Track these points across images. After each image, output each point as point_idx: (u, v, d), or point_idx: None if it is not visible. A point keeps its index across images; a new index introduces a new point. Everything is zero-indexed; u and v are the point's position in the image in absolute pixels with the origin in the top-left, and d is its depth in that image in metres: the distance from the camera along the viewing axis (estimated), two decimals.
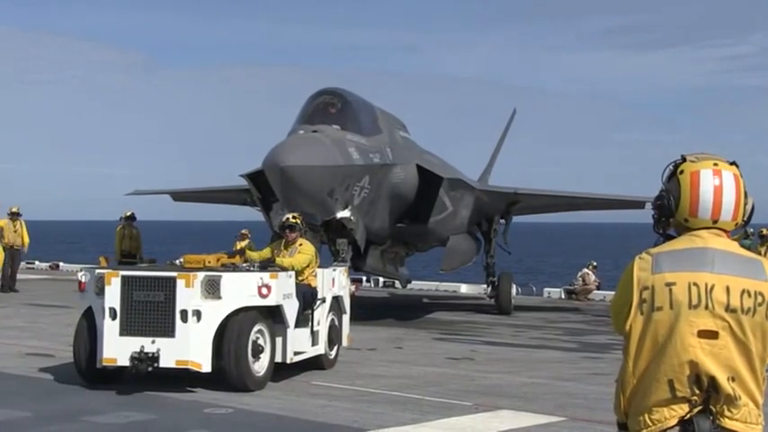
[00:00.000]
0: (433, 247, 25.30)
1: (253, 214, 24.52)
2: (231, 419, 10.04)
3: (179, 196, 29.27)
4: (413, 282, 31.81)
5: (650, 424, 3.79)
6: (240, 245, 25.51)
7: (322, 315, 13.43)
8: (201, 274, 11.39)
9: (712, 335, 3.74)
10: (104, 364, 11.30)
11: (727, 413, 3.74)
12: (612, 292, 4.18)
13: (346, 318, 14.50)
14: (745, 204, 3.94)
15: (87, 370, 11.61)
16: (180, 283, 11.19)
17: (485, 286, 26.67)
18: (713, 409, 3.75)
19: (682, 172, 3.93)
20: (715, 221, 3.90)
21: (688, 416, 3.75)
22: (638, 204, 26.13)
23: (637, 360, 3.84)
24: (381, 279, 32.05)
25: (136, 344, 11.09)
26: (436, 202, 21.84)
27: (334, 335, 13.84)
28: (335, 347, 13.97)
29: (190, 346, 11.14)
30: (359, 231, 19.40)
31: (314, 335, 13.14)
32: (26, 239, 27.15)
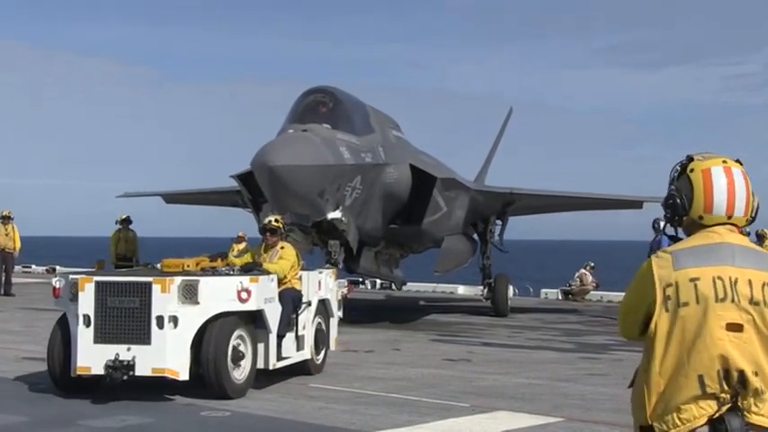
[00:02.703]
0: (429, 249, 24.91)
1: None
2: (228, 422, 9.97)
3: (171, 198, 28.86)
4: (410, 283, 31.54)
5: (679, 424, 3.74)
6: (237, 248, 25.16)
7: (307, 319, 12.99)
8: (178, 279, 10.96)
9: (738, 328, 3.74)
10: (78, 372, 10.86)
11: (753, 408, 3.71)
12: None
13: (334, 321, 14.06)
14: (753, 201, 3.99)
15: (62, 379, 11.16)
16: (155, 289, 10.75)
17: (481, 287, 26.30)
18: (741, 406, 3.72)
19: (692, 170, 3.96)
20: (729, 217, 3.93)
21: (717, 414, 3.71)
22: (636, 204, 25.77)
23: (664, 358, 3.78)
24: (379, 281, 31.77)
25: (111, 351, 10.64)
26: (430, 202, 21.43)
27: (320, 339, 13.42)
28: (323, 352, 13.54)
29: (166, 354, 10.70)
30: (351, 232, 19.00)
31: (299, 340, 12.71)
32: (18, 243, 27.05)
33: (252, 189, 19.82)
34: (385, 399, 11.33)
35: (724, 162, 3.94)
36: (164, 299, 10.75)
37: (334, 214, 18.25)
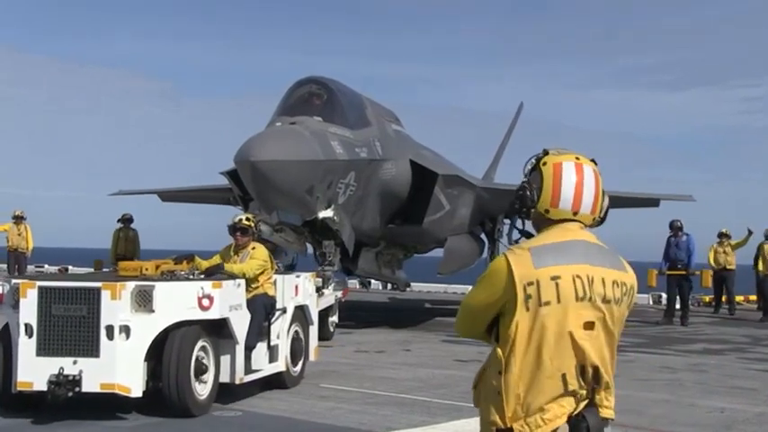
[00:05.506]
0: (433, 249, 23.79)
1: None
2: (239, 422, 9.93)
3: (166, 196, 27.96)
4: (420, 284, 30.64)
5: (542, 424, 3.69)
6: None
7: (282, 328, 11.90)
8: (131, 284, 9.85)
9: (591, 326, 3.77)
10: (19, 388, 9.73)
11: (605, 402, 3.78)
12: None
13: (314, 329, 12.94)
14: (603, 201, 3.99)
15: (3, 395, 10.03)
16: (105, 295, 9.63)
17: None
18: (595, 401, 3.76)
19: (545, 164, 3.94)
20: (575, 213, 3.90)
21: (575, 411, 3.72)
22: (653, 202, 24.75)
23: (524, 359, 3.71)
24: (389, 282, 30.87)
25: (55, 365, 9.53)
26: (431, 200, 20.29)
27: (297, 349, 12.31)
28: (300, 363, 12.43)
29: (116, 368, 9.57)
30: (346, 232, 17.86)
31: (272, 350, 11.63)
32: (30, 243, 26.99)
33: (242, 186, 18.74)
34: (396, 399, 11.27)
35: (577, 159, 3.94)
36: (114, 306, 9.64)
37: (326, 213, 17.08)
